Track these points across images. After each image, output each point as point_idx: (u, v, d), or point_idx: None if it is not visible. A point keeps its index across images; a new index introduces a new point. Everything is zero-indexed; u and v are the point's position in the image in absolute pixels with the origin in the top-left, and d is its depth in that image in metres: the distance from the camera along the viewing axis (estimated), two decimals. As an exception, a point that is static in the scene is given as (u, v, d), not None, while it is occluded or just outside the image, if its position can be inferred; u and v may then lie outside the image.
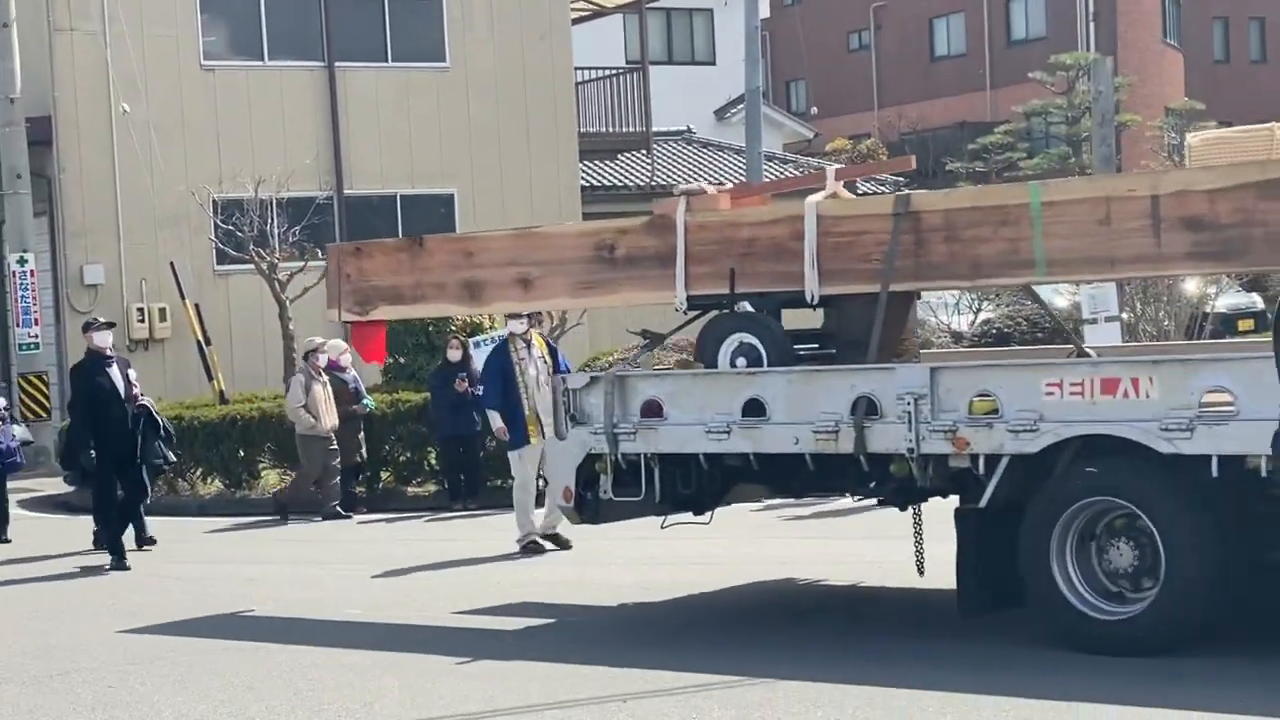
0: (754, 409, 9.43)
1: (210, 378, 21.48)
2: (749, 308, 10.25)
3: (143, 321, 24.10)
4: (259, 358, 23.87)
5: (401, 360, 20.26)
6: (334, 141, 25.65)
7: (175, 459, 15.09)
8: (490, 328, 20.10)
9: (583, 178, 28.42)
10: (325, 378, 17.18)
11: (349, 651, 9.67)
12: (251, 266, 22.22)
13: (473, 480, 17.45)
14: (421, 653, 9.52)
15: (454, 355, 17.56)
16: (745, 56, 25.42)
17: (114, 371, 14.02)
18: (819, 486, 10.41)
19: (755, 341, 9.88)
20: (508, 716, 7.91)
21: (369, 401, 17.77)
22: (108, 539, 13.99)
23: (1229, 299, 25.04)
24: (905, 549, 10.47)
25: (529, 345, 13.89)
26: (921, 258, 9.45)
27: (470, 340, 19.09)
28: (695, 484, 10.03)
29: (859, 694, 7.92)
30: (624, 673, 8.64)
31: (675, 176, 30.60)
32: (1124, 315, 18.52)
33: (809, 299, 9.80)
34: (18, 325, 23.18)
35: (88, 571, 13.72)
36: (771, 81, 49.11)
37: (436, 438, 17.84)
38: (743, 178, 27.09)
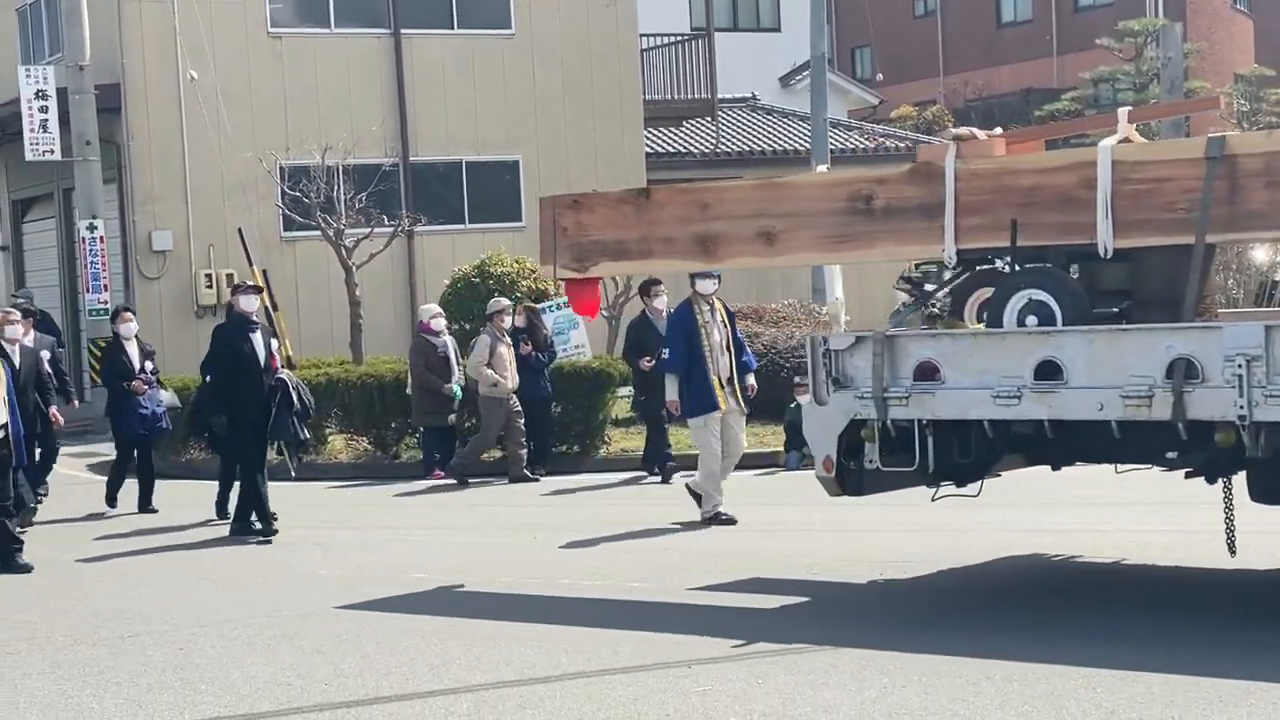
0: (1048, 372, 8.69)
1: (278, 344, 21.64)
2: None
3: (210, 287, 24.31)
4: (325, 324, 24.05)
5: (467, 326, 20.34)
6: (399, 108, 25.72)
7: (306, 438, 14.49)
8: (555, 294, 20.16)
9: (647, 144, 28.38)
10: (508, 339, 17.09)
11: (671, 637, 8.83)
12: (318, 233, 22.35)
13: (541, 446, 17.49)
14: (695, 634, 8.82)
15: (517, 320, 17.61)
16: (811, 23, 25.30)
17: (257, 338, 13.57)
18: (1119, 456, 9.50)
19: (1047, 298, 9.14)
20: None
21: (457, 388, 17.40)
22: (255, 508, 13.51)
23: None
24: (1147, 520, 10.02)
25: (712, 308, 13.32)
26: (1237, 205, 8.68)
27: (539, 305, 19.19)
28: (974, 453, 9.34)
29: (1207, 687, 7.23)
30: (948, 662, 7.91)
31: (740, 143, 30.53)
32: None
33: (1101, 251, 9.05)
34: (87, 291, 23.41)
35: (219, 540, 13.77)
36: (837, 48, 48.81)
37: None
38: (807, 145, 26.99)
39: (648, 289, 16.80)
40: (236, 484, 13.95)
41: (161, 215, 24.40)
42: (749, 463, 17.61)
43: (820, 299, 22.32)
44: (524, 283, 21.01)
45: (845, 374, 9.42)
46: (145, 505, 15.29)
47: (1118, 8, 44.61)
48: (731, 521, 12.96)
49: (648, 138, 28.61)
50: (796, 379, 17.84)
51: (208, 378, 14.23)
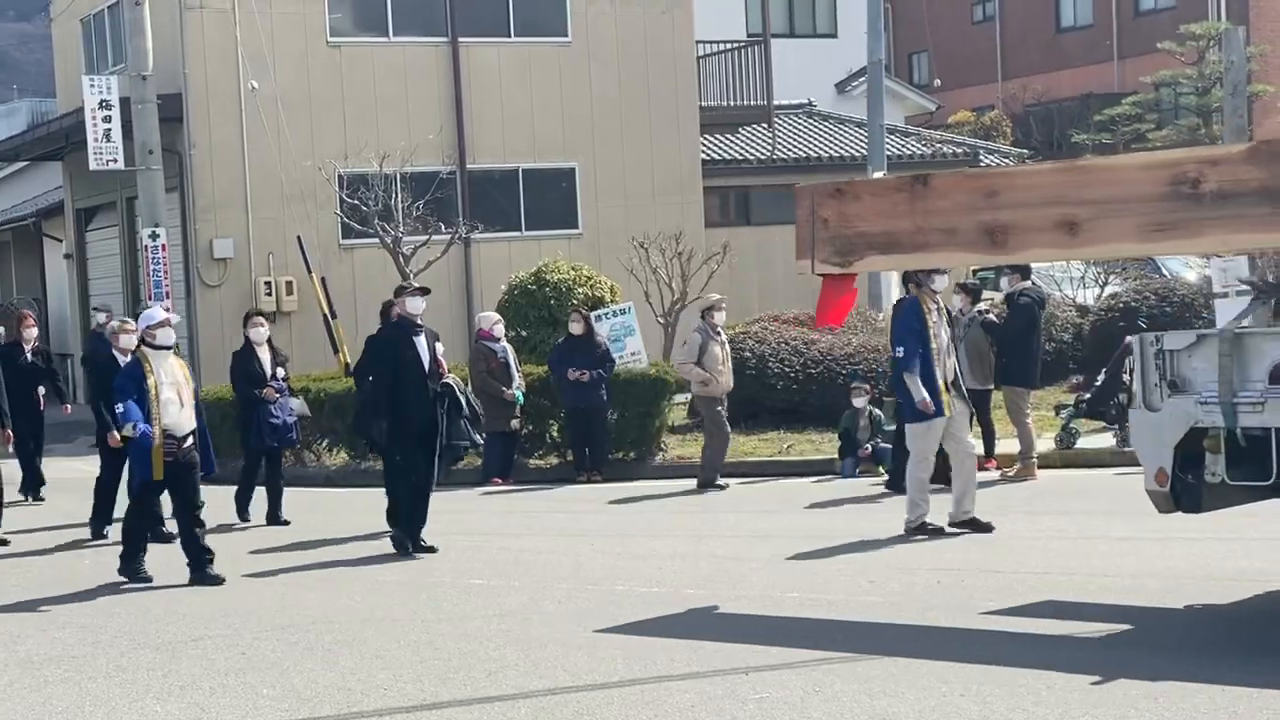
0: None
1: (336, 350, 21.80)
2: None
3: (270, 294, 24.52)
4: (383, 331, 24.16)
5: (524, 333, 20.42)
6: (457, 116, 25.85)
7: (481, 441, 13.62)
8: (612, 301, 20.20)
9: (703, 151, 28.41)
10: (724, 336, 16.89)
11: (723, 646, 8.60)
12: (376, 240, 22.49)
13: (598, 453, 17.56)
14: (751, 642, 8.50)
15: (576, 328, 17.66)
16: (868, 28, 25.22)
17: (421, 342, 12.79)
18: None
19: None
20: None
21: (519, 393, 17.43)
22: (398, 524, 12.88)
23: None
24: None
25: (939, 307, 12.65)
26: None
27: (592, 314, 19.23)
28: None
29: None
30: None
31: (796, 149, 30.51)
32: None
33: None
34: (149, 299, 23.63)
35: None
36: (894, 54, 48.67)
37: (563, 408, 17.96)
38: (864, 151, 26.92)
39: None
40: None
41: (222, 223, 24.63)
42: (801, 470, 17.66)
43: (877, 305, 22.26)
44: (580, 289, 21.07)
45: (1183, 377, 8.55)
46: (274, 517, 14.76)
47: (1179, 11, 44.26)
48: (939, 531, 12.32)
49: (704, 144, 28.64)
50: (854, 384, 17.81)
51: (366, 381, 13.33)
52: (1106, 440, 16.77)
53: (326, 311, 22.26)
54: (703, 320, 16.81)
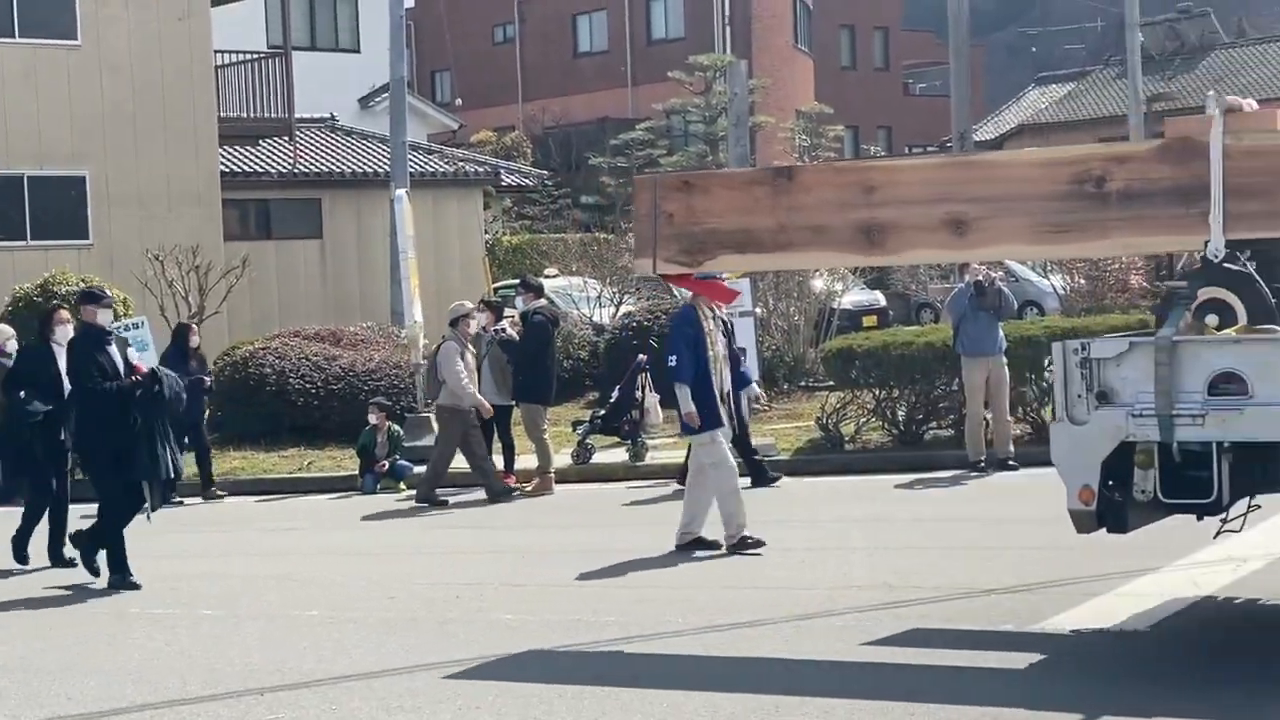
0: None
1: None
2: None
3: None
4: None
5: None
6: (-46, 118, 24.44)
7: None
8: (127, 314, 19.49)
9: (223, 163, 27.80)
10: (471, 348, 16.11)
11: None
12: None
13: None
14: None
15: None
16: (390, 45, 25.32)
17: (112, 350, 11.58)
18: None
19: None
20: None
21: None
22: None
23: (854, 296, 26.20)
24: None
25: (714, 314, 11.92)
26: None
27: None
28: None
29: None
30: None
31: (319, 164, 30.26)
32: (758, 310, 19.19)
33: None
34: None
35: None
36: (416, 71, 48.93)
37: None
38: (387, 168, 26.97)
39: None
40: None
41: None
42: (322, 486, 17.55)
43: (399, 321, 22.33)
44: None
45: (1111, 388, 7.77)
46: None
47: (689, 42, 46.26)
48: (760, 543, 11.54)
49: (223, 156, 28.02)
50: (372, 401, 17.84)
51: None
52: (620, 455, 17.36)
53: None
54: (453, 329, 16.23)
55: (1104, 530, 7.94)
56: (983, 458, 15.45)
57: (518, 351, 16.17)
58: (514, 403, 16.41)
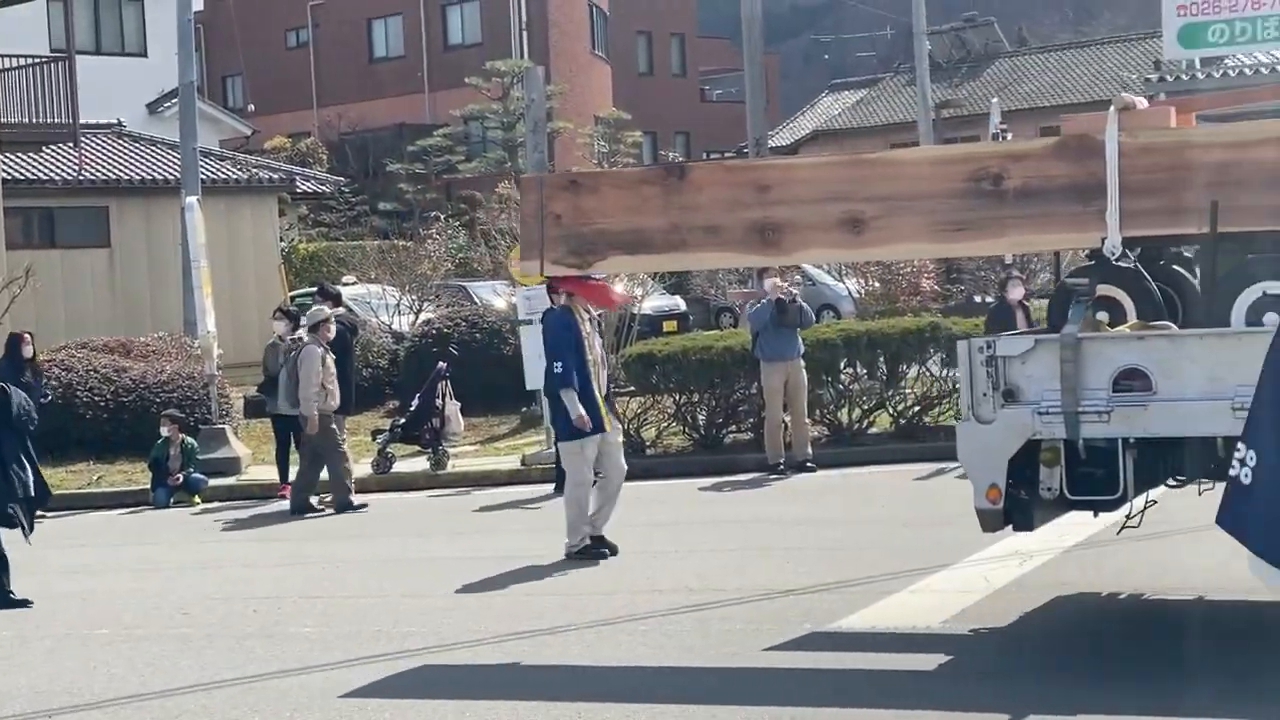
0: None
1: None
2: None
3: None
4: None
5: None
6: None
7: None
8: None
9: (4, 170, 26.90)
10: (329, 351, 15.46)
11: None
12: None
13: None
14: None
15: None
16: (179, 49, 24.77)
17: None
18: None
19: None
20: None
21: None
22: None
23: (654, 301, 26.36)
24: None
25: (590, 317, 11.62)
26: None
27: None
28: (1189, 474, 7.97)
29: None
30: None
31: (105, 170, 29.48)
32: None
33: None
34: None
35: None
36: (207, 76, 47.98)
37: None
38: (178, 174, 26.38)
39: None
40: None
41: None
42: (113, 502, 17.11)
43: (192, 331, 21.82)
44: None
45: (1017, 386, 7.77)
46: None
47: (486, 48, 46.07)
48: (601, 555, 11.44)
49: (5, 163, 27.12)
50: (164, 413, 17.44)
51: None
52: (421, 464, 17.21)
53: None
54: (313, 334, 15.66)
55: (1010, 528, 7.98)
56: (782, 460, 15.64)
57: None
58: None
